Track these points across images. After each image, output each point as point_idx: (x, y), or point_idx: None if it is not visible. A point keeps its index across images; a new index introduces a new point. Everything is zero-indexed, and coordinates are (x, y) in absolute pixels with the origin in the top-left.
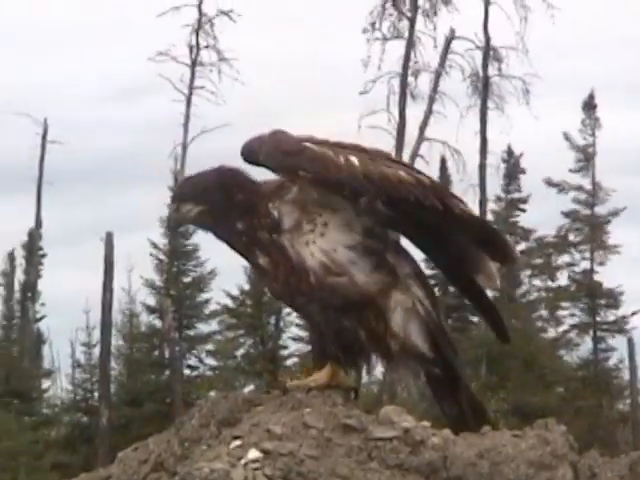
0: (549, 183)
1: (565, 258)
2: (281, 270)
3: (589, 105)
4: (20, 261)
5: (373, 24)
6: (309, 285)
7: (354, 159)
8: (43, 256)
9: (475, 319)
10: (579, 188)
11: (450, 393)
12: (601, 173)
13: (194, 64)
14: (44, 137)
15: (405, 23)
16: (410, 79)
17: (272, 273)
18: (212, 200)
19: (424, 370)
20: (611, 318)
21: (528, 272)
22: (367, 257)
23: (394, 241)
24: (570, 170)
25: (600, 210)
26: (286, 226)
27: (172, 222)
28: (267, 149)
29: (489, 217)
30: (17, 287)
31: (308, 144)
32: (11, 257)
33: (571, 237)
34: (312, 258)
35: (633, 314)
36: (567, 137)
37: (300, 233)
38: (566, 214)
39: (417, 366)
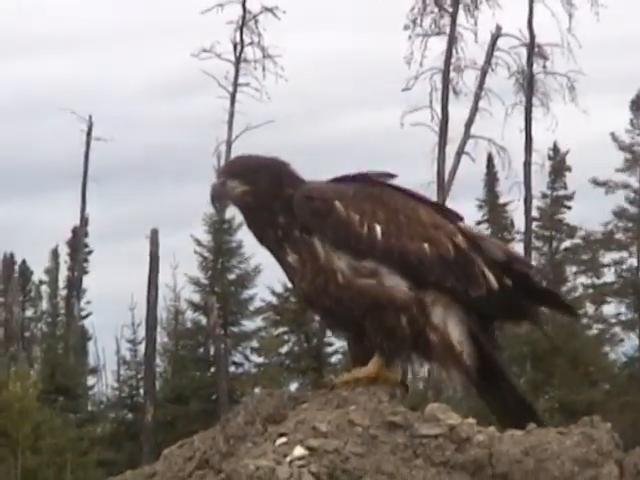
0: (595, 182)
1: (613, 255)
2: (308, 269)
3: (637, 104)
4: (65, 258)
5: (414, 20)
6: (337, 285)
7: (378, 229)
8: (88, 253)
9: None
10: (626, 187)
11: (493, 388)
12: None
13: (238, 61)
14: (89, 134)
15: (446, 19)
16: (452, 75)
17: (300, 272)
18: (260, 185)
19: (466, 364)
20: None
21: (574, 269)
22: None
23: None
24: (617, 170)
25: None
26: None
27: (214, 194)
28: (297, 199)
29: (534, 214)
30: (62, 284)
31: (337, 204)
32: (55, 254)
33: (619, 235)
34: (339, 260)
35: None
36: (614, 137)
37: (332, 248)
38: (615, 213)
39: (458, 359)
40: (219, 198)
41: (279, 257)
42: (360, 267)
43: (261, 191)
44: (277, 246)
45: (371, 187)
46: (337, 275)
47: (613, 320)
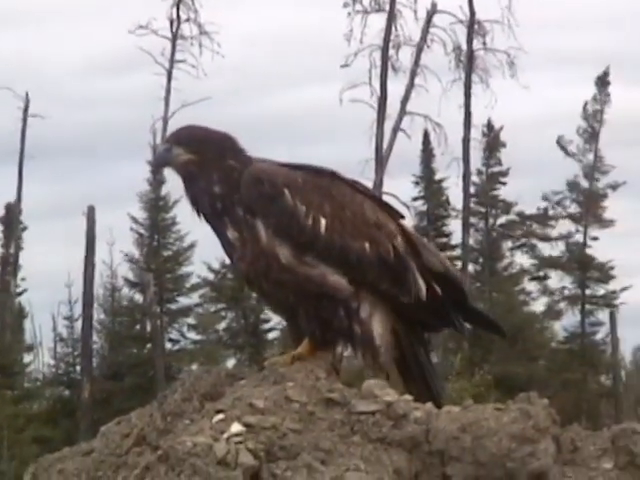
0: (561, 144)
1: (561, 229)
2: (249, 250)
3: (602, 80)
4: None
5: None
6: (279, 270)
7: (323, 223)
8: (23, 230)
9: None
10: (580, 160)
11: (411, 384)
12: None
13: (175, 37)
14: (25, 111)
15: None
16: (391, 52)
17: (240, 250)
18: (204, 154)
19: (382, 358)
20: (601, 292)
21: (509, 245)
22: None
23: None
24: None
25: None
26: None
27: (158, 160)
28: (246, 179)
29: (472, 190)
30: None
31: (286, 191)
32: None
33: (570, 209)
34: (281, 247)
35: (623, 290)
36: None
37: (274, 234)
38: (569, 184)
39: (376, 353)
40: (163, 164)
41: (218, 230)
42: (304, 258)
43: (204, 161)
44: (216, 219)
45: (320, 177)
46: (280, 260)
47: (557, 295)
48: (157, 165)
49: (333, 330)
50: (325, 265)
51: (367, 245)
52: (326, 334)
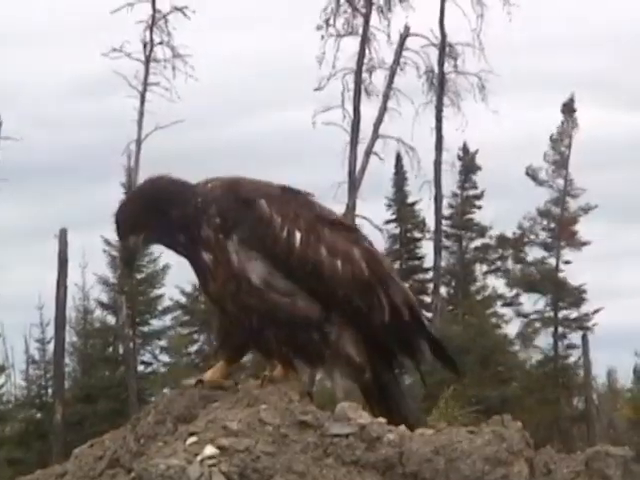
0: (530, 174)
1: (535, 253)
2: (220, 272)
3: (569, 107)
4: None
5: (327, 20)
6: (249, 294)
7: (297, 237)
8: None
9: (429, 314)
10: (551, 186)
11: (378, 400)
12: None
13: (148, 60)
14: None
15: (360, 20)
16: (365, 76)
17: (213, 271)
18: (149, 223)
19: (355, 376)
20: (573, 315)
21: (484, 269)
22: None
23: None
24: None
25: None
26: (234, 234)
27: (125, 259)
28: (224, 183)
29: (445, 213)
30: None
31: (262, 202)
32: None
33: (541, 235)
34: (254, 273)
35: (595, 312)
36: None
37: (247, 246)
38: (540, 212)
39: (348, 371)
40: (131, 260)
41: (191, 258)
42: (274, 283)
43: (154, 227)
44: (189, 250)
45: (295, 194)
46: (250, 281)
47: (530, 317)
48: (128, 266)
49: (307, 353)
50: (297, 287)
51: (339, 263)
52: (299, 357)
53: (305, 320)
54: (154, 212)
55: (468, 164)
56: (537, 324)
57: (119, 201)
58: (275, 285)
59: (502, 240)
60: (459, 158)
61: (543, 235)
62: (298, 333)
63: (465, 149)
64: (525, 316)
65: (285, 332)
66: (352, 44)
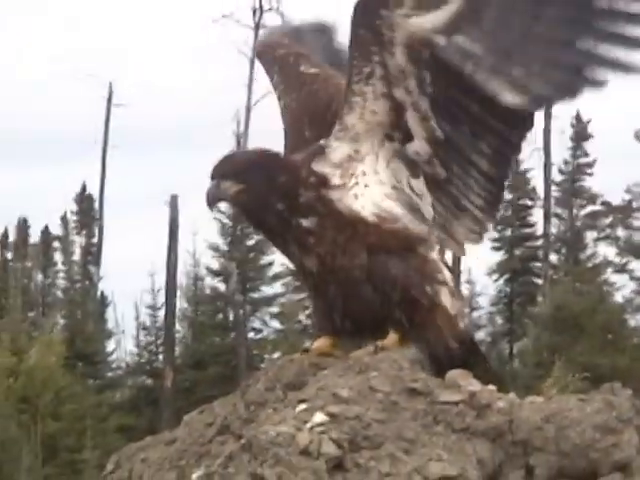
0: (637, 137)
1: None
2: (328, 229)
3: None
4: (82, 224)
5: None
6: (365, 235)
7: None
8: (103, 219)
9: (540, 281)
10: None
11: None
12: None
13: (257, 27)
14: (109, 100)
15: None
16: None
17: (316, 237)
18: (252, 180)
19: (446, 341)
20: None
21: (594, 235)
22: (407, 206)
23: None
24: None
25: None
26: (333, 182)
27: (210, 198)
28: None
29: (555, 179)
30: (78, 250)
31: None
32: (64, 221)
33: None
34: (364, 210)
35: None
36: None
37: (347, 187)
38: None
39: (441, 332)
40: (215, 200)
41: (283, 241)
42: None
43: (254, 187)
44: (282, 232)
45: None
46: (367, 226)
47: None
48: (210, 203)
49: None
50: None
51: None
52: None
53: (417, 241)
54: (262, 172)
55: (580, 132)
56: None
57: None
58: (386, 214)
59: (611, 207)
60: (571, 126)
61: None
62: (413, 284)
63: (578, 117)
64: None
65: (380, 267)
66: None
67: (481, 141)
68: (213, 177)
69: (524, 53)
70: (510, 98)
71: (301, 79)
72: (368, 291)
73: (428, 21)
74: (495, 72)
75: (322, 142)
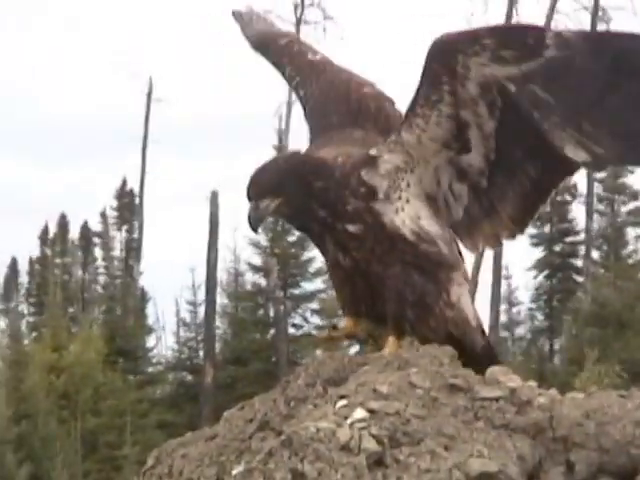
0: None
1: None
2: (370, 239)
3: None
4: (122, 219)
5: None
6: (402, 251)
7: None
8: (143, 215)
9: (579, 278)
10: None
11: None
12: None
13: (299, 22)
14: (149, 95)
15: None
16: None
17: (358, 242)
18: (288, 190)
19: (468, 345)
20: None
21: (635, 232)
22: (443, 228)
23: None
24: None
25: None
26: (380, 195)
27: (252, 221)
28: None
29: (597, 176)
30: (118, 246)
31: None
32: (104, 217)
33: None
34: (404, 226)
35: None
36: None
37: (391, 200)
38: None
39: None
40: (258, 223)
41: (319, 238)
42: (423, 233)
43: (292, 197)
44: (325, 238)
45: None
46: (406, 241)
47: None
48: (253, 227)
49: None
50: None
51: None
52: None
53: (449, 267)
54: (296, 181)
55: None
56: None
57: (260, 163)
58: (423, 233)
59: None
60: None
61: None
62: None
63: None
64: None
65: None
66: (501, 4)
67: (531, 166)
68: (250, 198)
69: (595, 115)
70: (573, 153)
71: (314, 68)
72: (394, 297)
73: (504, 71)
74: (563, 126)
75: (373, 152)
